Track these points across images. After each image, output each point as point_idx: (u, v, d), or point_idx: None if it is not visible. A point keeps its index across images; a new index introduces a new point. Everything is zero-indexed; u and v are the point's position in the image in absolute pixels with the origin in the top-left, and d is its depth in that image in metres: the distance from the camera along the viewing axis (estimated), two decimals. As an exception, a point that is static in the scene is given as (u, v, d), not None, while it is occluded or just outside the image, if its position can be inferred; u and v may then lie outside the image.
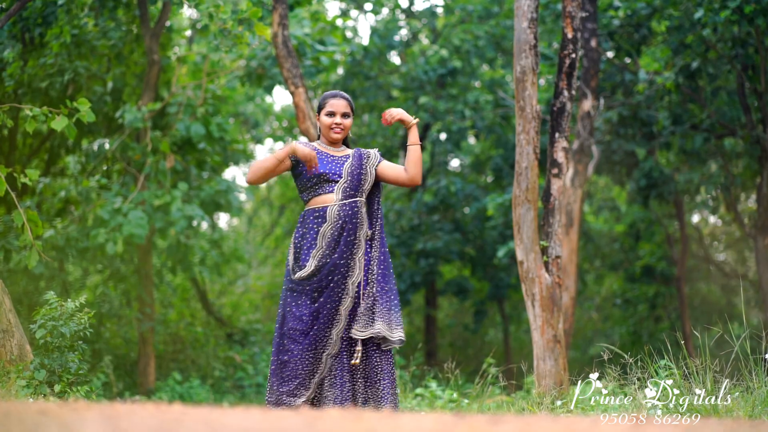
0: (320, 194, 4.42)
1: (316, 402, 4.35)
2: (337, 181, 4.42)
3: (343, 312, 4.35)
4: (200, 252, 11.73)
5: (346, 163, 4.46)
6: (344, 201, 4.40)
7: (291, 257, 4.42)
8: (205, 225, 12.76)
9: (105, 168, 11.11)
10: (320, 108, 4.54)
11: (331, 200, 4.41)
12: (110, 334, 11.89)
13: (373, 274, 4.40)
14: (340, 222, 4.38)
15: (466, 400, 6.44)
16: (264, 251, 18.18)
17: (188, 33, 13.45)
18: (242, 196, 14.58)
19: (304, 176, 4.43)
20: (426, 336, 15.12)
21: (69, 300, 5.21)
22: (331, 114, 4.48)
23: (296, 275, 4.34)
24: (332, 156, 4.50)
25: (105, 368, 10.06)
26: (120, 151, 10.17)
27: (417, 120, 4.51)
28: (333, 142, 4.52)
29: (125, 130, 10.18)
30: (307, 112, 7.95)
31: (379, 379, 4.40)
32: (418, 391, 7.10)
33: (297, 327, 4.31)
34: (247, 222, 19.31)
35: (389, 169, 4.52)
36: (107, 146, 10.29)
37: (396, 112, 4.46)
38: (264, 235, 18.65)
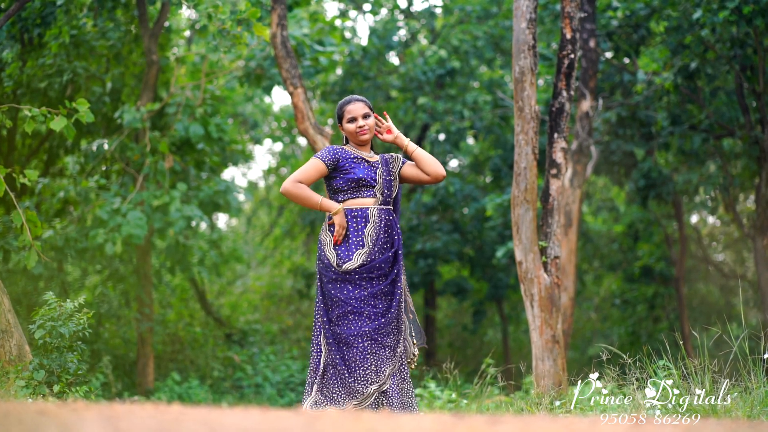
0: (358, 197, 4.52)
1: (382, 403, 4.36)
2: (374, 186, 4.53)
3: (394, 312, 4.47)
4: (199, 252, 11.73)
5: (378, 170, 4.56)
6: (382, 207, 4.53)
7: (329, 252, 4.45)
8: (203, 225, 12.77)
9: (104, 168, 11.11)
10: (340, 118, 4.63)
11: (370, 203, 4.51)
12: (109, 335, 11.88)
13: (405, 285, 4.62)
14: (382, 224, 4.48)
15: (465, 401, 6.44)
16: (263, 252, 18.18)
17: (187, 33, 13.45)
18: (241, 197, 14.58)
19: (341, 179, 4.50)
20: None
21: (68, 300, 5.21)
22: (353, 120, 4.57)
23: (343, 267, 4.40)
24: (368, 161, 4.58)
25: (104, 368, 10.05)
26: (119, 152, 10.17)
27: (408, 141, 4.64)
28: (362, 145, 4.61)
29: (124, 131, 10.18)
30: (305, 112, 7.94)
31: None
32: (418, 391, 7.11)
33: (347, 309, 4.36)
34: (246, 222, 19.31)
35: (412, 169, 4.64)
36: (106, 147, 10.29)
37: (390, 138, 4.64)
38: (263, 235, 18.65)
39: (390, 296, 4.44)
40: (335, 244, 4.44)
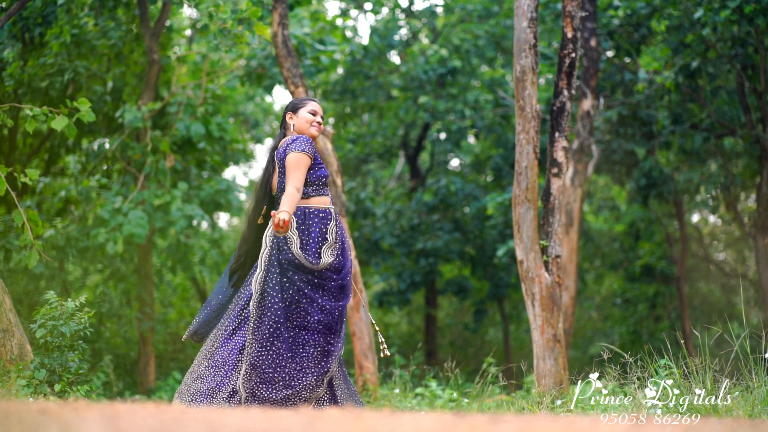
0: (322, 195, 4.51)
1: (328, 400, 4.37)
2: (328, 186, 4.58)
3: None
4: (200, 251, 11.73)
5: None
6: (334, 207, 4.58)
7: (296, 251, 4.37)
8: (205, 224, 12.77)
9: (105, 168, 11.11)
10: (296, 107, 4.65)
11: (329, 202, 4.53)
12: (110, 334, 11.89)
13: None
14: (339, 224, 4.48)
15: (466, 400, 6.45)
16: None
17: (188, 32, 13.45)
18: (242, 196, 14.59)
19: (314, 174, 4.47)
20: (426, 335, 15.13)
21: (69, 299, 5.21)
22: (314, 113, 4.64)
23: (321, 264, 4.36)
24: None
25: (105, 368, 10.06)
26: (120, 151, 10.18)
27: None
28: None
29: (125, 130, 10.18)
30: (307, 111, 7.93)
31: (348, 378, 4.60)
32: (418, 390, 7.11)
33: (323, 320, 4.35)
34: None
35: None
36: (107, 146, 10.29)
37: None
38: (264, 234, 18.61)
39: (344, 308, 4.46)
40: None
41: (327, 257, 4.39)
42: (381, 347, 4.60)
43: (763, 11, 8.78)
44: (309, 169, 4.44)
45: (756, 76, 9.82)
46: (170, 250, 10.68)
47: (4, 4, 7.81)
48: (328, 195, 4.52)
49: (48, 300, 5.18)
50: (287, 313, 4.33)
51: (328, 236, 4.42)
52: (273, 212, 4.16)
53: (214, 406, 4.26)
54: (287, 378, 4.26)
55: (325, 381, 4.33)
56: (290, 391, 4.24)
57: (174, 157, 10.21)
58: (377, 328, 4.73)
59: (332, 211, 4.50)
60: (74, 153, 11.37)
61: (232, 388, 4.27)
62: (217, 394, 4.28)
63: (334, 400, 4.38)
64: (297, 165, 4.37)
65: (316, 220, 4.43)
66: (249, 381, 4.24)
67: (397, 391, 7.01)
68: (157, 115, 10.43)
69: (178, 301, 13.78)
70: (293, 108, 4.64)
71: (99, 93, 10.59)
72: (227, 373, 4.30)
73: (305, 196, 4.45)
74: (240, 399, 4.23)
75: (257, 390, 4.24)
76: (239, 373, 4.28)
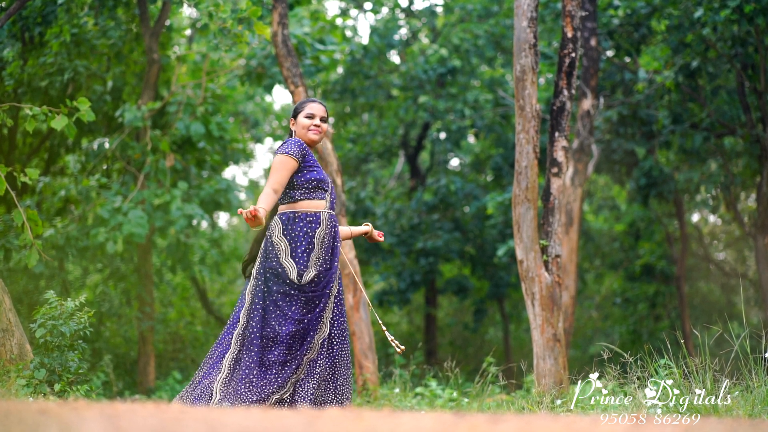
0: (313, 198, 4.44)
1: (289, 400, 4.34)
2: (327, 191, 4.49)
3: (326, 319, 4.40)
4: (200, 251, 11.73)
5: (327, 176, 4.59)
6: (330, 211, 4.49)
7: (285, 260, 4.35)
8: (204, 224, 12.77)
9: (105, 167, 11.11)
10: (296, 112, 4.60)
11: (322, 206, 4.45)
12: (110, 333, 11.89)
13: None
14: (332, 230, 4.43)
15: (466, 399, 6.45)
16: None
17: (188, 32, 13.45)
18: (242, 195, 14.60)
19: (302, 176, 4.43)
20: (426, 335, 15.13)
21: (69, 299, 5.21)
22: (311, 116, 4.56)
23: (302, 280, 4.32)
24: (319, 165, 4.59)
25: (105, 367, 10.06)
26: (120, 150, 10.18)
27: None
28: (310, 144, 4.56)
29: (125, 129, 10.18)
30: (306, 111, 7.93)
31: (344, 375, 4.49)
32: (418, 390, 7.11)
33: (293, 330, 4.30)
34: (247, 221, 19.27)
35: None
36: (107, 145, 10.29)
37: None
38: (264, 234, 18.61)
39: (320, 315, 4.39)
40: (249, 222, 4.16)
41: (312, 270, 4.35)
42: (394, 345, 4.59)
43: (763, 11, 8.78)
44: (297, 172, 4.41)
45: (756, 75, 9.82)
46: (170, 250, 10.68)
47: (3, 4, 7.81)
48: (322, 198, 4.45)
49: (48, 299, 5.18)
50: (263, 321, 4.33)
51: (315, 243, 4.38)
52: (240, 210, 4.14)
53: (190, 398, 4.29)
54: (257, 384, 4.25)
55: (288, 385, 4.30)
56: (257, 398, 4.24)
57: (174, 156, 10.21)
58: (384, 328, 4.71)
59: (323, 215, 4.42)
60: (74, 152, 11.37)
61: (209, 386, 4.28)
62: (197, 387, 4.32)
63: (292, 402, 4.34)
64: (278, 167, 4.36)
65: (301, 224, 4.39)
66: (227, 386, 4.26)
67: (397, 390, 7.01)
68: (157, 114, 10.43)
69: (178, 300, 13.78)
70: (294, 114, 4.64)
71: (99, 92, 10.59)
72: (209, 372, 4.34)
73: (292, 199, 4.42)
74: (214, 400, 4.24)
75: (230, 394, 4.25)
76: (219, 374, 4.29)
